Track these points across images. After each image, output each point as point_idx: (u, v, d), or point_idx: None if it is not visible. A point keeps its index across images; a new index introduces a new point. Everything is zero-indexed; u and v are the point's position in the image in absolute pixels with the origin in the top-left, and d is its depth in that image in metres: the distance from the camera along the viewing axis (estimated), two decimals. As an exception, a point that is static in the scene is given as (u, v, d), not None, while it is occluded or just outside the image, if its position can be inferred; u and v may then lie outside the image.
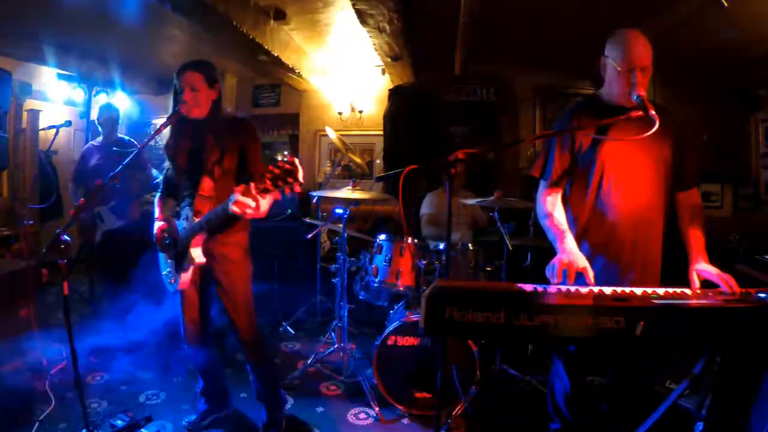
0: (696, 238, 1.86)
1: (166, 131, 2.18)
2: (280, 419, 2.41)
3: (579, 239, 1.90)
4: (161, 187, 2.39)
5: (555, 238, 1.84)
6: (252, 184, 1.79)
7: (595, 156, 1.85)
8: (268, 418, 2.40)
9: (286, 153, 6.21)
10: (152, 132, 2.14)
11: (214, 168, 2.13)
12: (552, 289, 1.55)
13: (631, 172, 1.84)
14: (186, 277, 2.18)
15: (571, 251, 1.75)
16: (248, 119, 2.28)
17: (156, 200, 2.37)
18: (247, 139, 2.18)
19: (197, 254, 2.14)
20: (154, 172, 3.86)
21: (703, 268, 1.77)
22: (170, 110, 2.15)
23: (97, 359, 3.19)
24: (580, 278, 1.67)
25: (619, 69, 1.79)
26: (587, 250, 1.89)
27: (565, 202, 1.96)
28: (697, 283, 1.76)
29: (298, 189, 1.77)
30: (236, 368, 2.72)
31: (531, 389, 2.92)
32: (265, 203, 1.88)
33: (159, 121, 4.77)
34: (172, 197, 2.36)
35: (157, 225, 2.26)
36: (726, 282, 1.64)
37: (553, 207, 1.91)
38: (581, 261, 1.71)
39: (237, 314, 2.24)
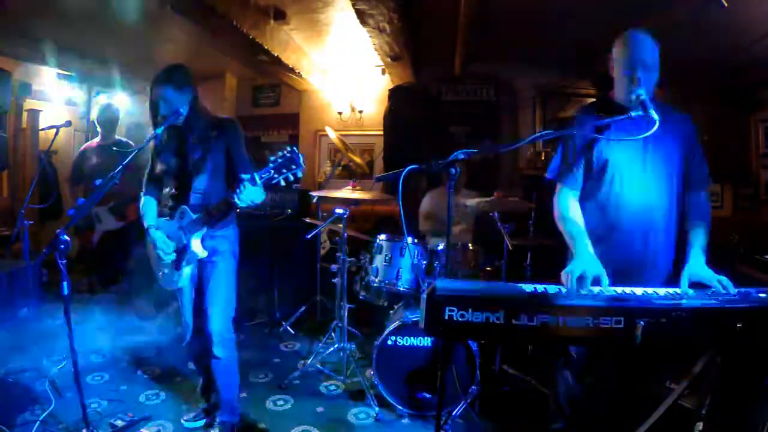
0: (696, 238, 1.83)
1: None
2: (232, 427, 2.35)
3: (591, 240, 1.89)
4: (145, 187, 2.38)
5: (571, 242, 1.80)
6: (256, 173, 1.93)
7: (605, 157, 1.84)
8: (223, 426, 2.34)
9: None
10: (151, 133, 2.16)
11: (203, 165, 2.18)
12: (551, 289, 1.55)
13: (640, 173, 1.82)
14: (186, 273, 2.23)
15: (586, 258, 1.69)
16: (231, 118, 2.36)
17: (141, 203, 2.36)
18: (231, 137, 2.25)
19: (199, 249, 2.19)
20: None
21: (697, 272, 1.71)
22: (151, 119, 2.21)
23: (98, 358, 3.19)
24: (595, 284, 1.63)
25: (619, 68, 1.80)
26: (598, 251, 1.88)
27: (578, 203, 1.94)
28: (685, 286, 1.70)
29: (299, 175, 1.95)
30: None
31: (531, 389, 2.91)
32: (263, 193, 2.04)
33: (159, 121, 4.76)
34: (154, 197, 2.38)
35: (158, 234, 2.25)
36: (720, 285, 1.61)
37: (570, 209, 1.88)
38: (596, 268, 1.65)
39: (213, 305, 2.22)
